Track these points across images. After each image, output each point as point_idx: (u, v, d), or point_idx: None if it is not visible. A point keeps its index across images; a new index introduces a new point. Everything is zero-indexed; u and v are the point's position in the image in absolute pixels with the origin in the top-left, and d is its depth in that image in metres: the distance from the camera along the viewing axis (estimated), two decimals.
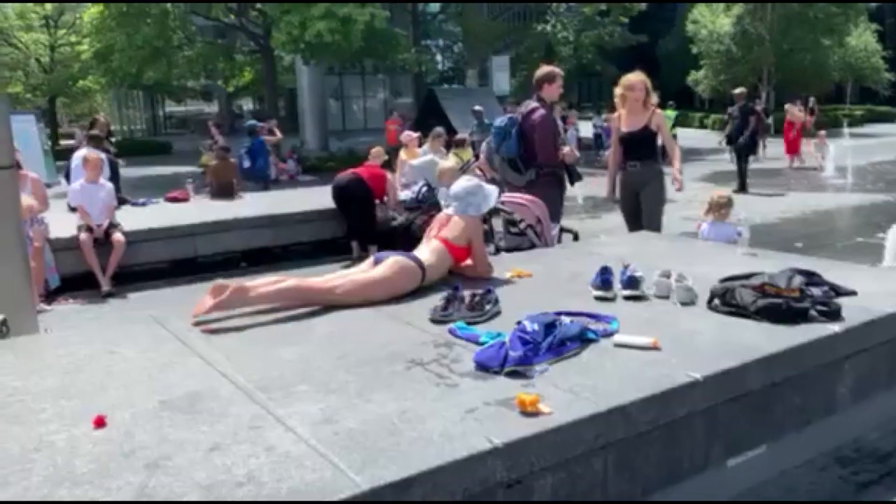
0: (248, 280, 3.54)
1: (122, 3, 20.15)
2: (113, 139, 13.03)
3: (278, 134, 16.69)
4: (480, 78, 31.00)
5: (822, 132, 18.08)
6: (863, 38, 34.69)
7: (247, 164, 12.40)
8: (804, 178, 16.07)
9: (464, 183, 4.11)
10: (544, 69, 6.29)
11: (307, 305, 3.43)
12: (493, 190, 4.11)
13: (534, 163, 6.11)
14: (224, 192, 10.22)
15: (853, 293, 3.34)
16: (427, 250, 3.83)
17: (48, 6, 31.49)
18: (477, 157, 10.57)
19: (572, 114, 21.98)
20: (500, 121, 6.50)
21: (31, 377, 2.66)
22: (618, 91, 6.06)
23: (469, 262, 3.96)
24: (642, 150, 6.03)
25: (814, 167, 17.08)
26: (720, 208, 5.89)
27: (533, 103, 6.16)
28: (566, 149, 6.20)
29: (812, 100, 23.46)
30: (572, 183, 6.39)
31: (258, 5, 21.32)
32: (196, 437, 2.11)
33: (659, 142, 6.14)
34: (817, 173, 16.55)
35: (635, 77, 6.02)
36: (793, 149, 17.48)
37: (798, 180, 15.65)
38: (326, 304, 3.43)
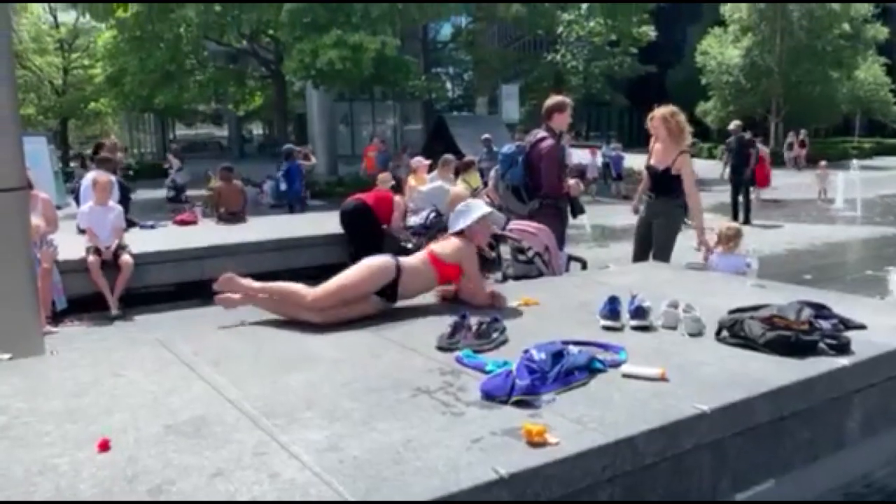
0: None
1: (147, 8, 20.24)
2: (128, 161, 13.36)
3: (313, 159, 17.33)
4: (490, 105, 31.23)
5: (823, 163, 18.07)
6: (871, 70, 34.82)
7: (283, 186, 12.86)
8: (814, 209, 16.05)
9: (461, 206, 4.17)
10: (554, 99, 6.27)
11: (297, 320, 3.56)
12: (480, 206, 4.14)
13: (538, 193, 6.08)
14: (231, 214, 10.32)
15: (862, 327, 3.32)
16: (412, 256, 3.94)
17: (62, 30, 31.98)
18: (486, 184, 10.60)
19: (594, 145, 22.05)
20: (507, 148, 6.51)
21: (37, 399, 2.65)
22: (649, 122, 6.05)
23: (463, 286, 3.99)
24: (661, 186, 6.03)
25: (820, 198, 17.07)
26: (729, 240, 5.91)
27: (541, 133, 6.15)
28: (572, 181, 6.20)
29: (803, 132, 23.49)
30: (574, 215, 6.37)
31: (270, 32, 21.57)
32: (200, 463, 2.09)
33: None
34: (820, 203, 16.53)
35: (658, 112, 5.94)
36: (761, 181, 17.00)
37: (808, 212, 15.62)
38: (307, 314, 3.58)
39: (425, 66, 28.50)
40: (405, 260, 3.85)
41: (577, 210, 6.33)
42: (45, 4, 31.75)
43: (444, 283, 3.98)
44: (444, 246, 3.93)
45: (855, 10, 31.96)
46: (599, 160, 20.28)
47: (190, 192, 16.01)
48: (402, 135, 32.85)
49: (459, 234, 4.00)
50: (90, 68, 29.94)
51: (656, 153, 6.04)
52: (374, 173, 14.22)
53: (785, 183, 18.65)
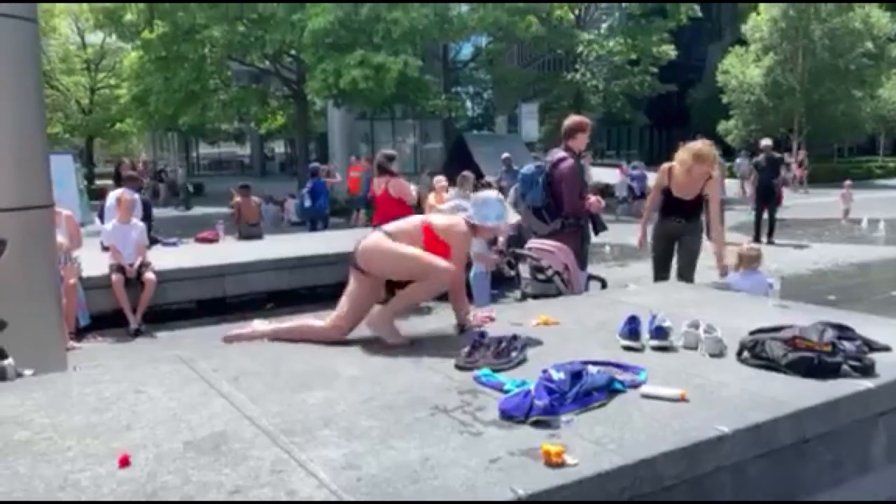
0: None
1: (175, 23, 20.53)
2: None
3: (338, 177, 17.46)
4: (509, 124, 31.32)
5: (847, 182, 17.84)
6: (895, 89, 34.52)
7: (308, 203, 13.08)
8: (837, 228, 15.88)
9: (484, 194, 4.16)
10: (574, 119, 6.27)
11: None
12: (499, 210, 4.02)
13: (559, 213, 6.07)
14: (251, 225, 10.71)
15: (887, 349, 3.27)
16: (404, 221, 3.93)
17: (90, 51, 32.55)
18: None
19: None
20: (526, 169, 6.50)
21: (59, 415, 2.68)
22: (684, 157, 6.14)
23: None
24: (691, 212, 6.24)
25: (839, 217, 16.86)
26: (751, 261, 5.90)
27: (560, 153, 6.14)
28: (592, 198, 6.18)
29: (802, 153, 23.14)
30: (597, 232, 6.36)
31: (293, 52, 21.82)
32: (219, 479, 2.10)
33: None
34: (844, 223, 16.36)
35: (686, 152, 6.13)
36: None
37: (831, 231, 15.46)
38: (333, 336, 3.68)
39: (445, 85, 28.67)
40: (393, 228, 3.79)
41: (599, 227, 6.32)
42: (74, 26, 32.37)
43: (431, 250, 3.78)
44: (443, 222, 3.84)
45: (878, 28, 31.75)
46: (628, 179, 20.17)
47: (211, 210, 16.22)
48: (422, 153, 33.00)
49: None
50: (116, 88, 30.41)
51: (680, 183, 6.18)
52: (356, 194, 14.20)
53: (805, 203, 18.47)
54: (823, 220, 17.02)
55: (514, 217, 4.23)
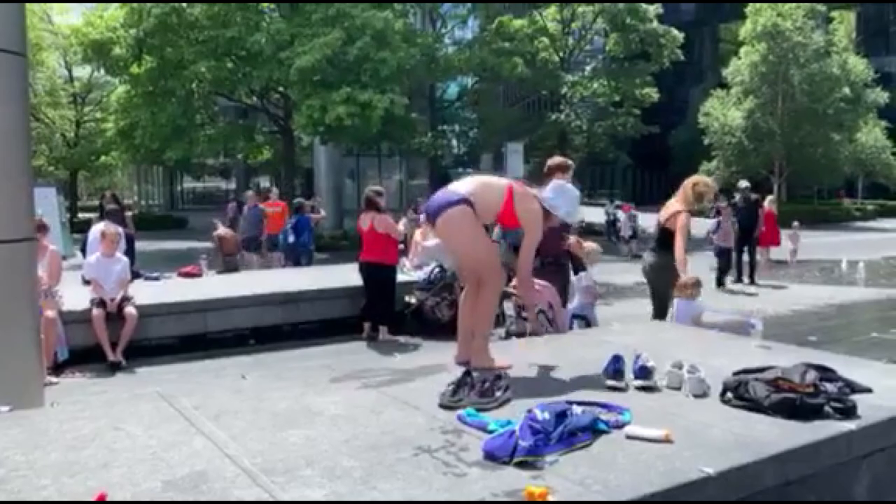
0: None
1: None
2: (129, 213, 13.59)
3: (322, 212, 17.02)
4: (495, 162, 31.49)
5: (796, 223, 17.81)
6: (872, 134, 35.23)
7: (291, 238, 12.96)
8: (818, 269, 16.02)
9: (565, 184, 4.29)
10: (557, 159, 6.33)
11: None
12: (575, 200, 4.19)
13: (538, 252, 6.11)
14: (229, 255, 10.76)
15: (868, 390, 3.29)
16: (496, 180, 4.06)
17: (77, 84, 32.61)
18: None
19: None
20: None
21: (35, 452, 2.63)
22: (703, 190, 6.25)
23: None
24: (660, 241, 6.35)
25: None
26: (688, 288, 6.14)
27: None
28: (572, 239, 6.23)
29: (770, 198, 23.24)
30: (576, 272, 6.41)
31: (280, 89, 21.98)
32: None
33: None
34: (790, 264, 16.31)
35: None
36: (772, 240, 16.75)
37: (811, 272, 15.60)
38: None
39: (432, 123, 28.90)
40: (479, 187, 3.87)
41: (579, 267, 6.38)
42: (62, 61, 32.46)
43: (504, 220, 4.01)
44: (526, 197, 3.93)
45: (855, 74, 32.53)
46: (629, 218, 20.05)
47: (195, 244, 16.14)
48: (408, 190, 33.10)
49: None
50: (102, 121, 30.44)
51: (664, 209, 6.28)
52: (273, 235, 13.97)
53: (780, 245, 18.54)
54: (803, 262, 17.10)
55: (578, 218, 4.33)
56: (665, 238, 6.16)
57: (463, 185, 3.88)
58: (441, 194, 3.87)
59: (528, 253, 4.02)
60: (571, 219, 4.07)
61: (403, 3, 22.70)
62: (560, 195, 4.06)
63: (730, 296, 11.88)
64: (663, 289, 6.18)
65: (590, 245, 6.50)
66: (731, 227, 12.93)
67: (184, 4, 20.43)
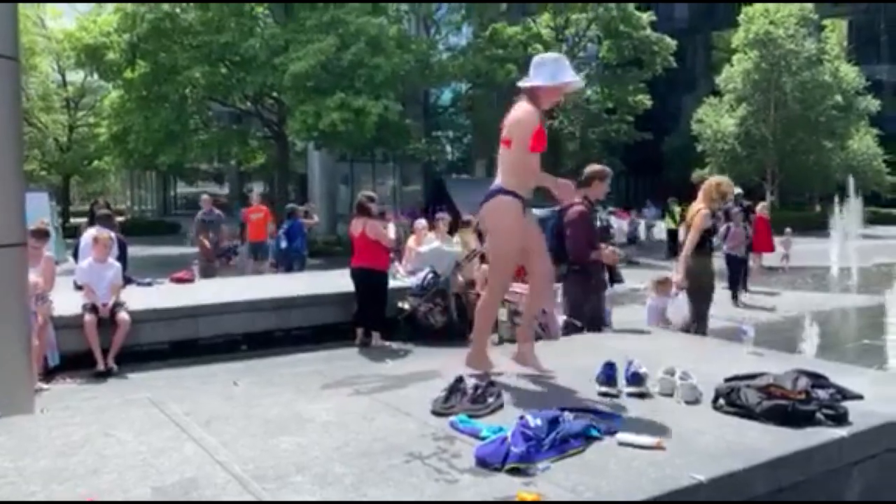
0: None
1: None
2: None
3: (315, 218, 16.76)
4: (489, 168, 31.50)
5: (788, 230, 17.85)
6: (864, 141, 35.39)
7: (284, 244, 12.88)
8: (810, 276, 16.05)
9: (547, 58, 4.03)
10: (595, 167, 5.97)
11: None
12: (565, 67, 3.94)
13: (566, 259, 5.66)
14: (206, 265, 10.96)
15: (860, 397, 3.29)
16: None
17: (70, 89, 32.54)
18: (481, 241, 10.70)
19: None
20: (541, 212, 5.88)
21: (24, 458, 2.62)
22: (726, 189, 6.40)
23: None
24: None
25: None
26: (660, 285, 6.64)
27: (576, 200, 5.62)
28: (607, 249, 5.84)
29: (762, 204, 23.19)
30: (612, 283, 6.02)
31: (274, 94, 21.97)
32: None
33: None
34: (783, 271, 16.38)
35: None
36: (766, 247, 16.77)
37: (804, 279, 15.64)
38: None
39: (426, 129, 28.92)
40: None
41: (615, 279, 6.05)
42: (55, 65, 32.40)
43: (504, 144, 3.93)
44: (517, 109, 3.85)
45: (847, 82, 32.71)
46: (625, 224, 20.13)
47: (187, 250, 16.06)
48: (402, 196, 33.12)
49: (529, 92, 3.86)
50: (95, 126, 30.34)
51: (689, 212, 6.47)
52: (260, 242, 13.80)
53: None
54: (796, 269, 17.14)
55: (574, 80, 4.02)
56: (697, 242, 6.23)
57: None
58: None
59: (534, 166, 3.86)
60: (555, 81, 3.80)
61: (402, 1, 22.72)
62: (535, 67, 3.85)
63: (746, 310, 11.19)
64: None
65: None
66: (743, 232, 12.25)
67: (178, 10, 20.43)
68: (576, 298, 5.67)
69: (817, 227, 19.64)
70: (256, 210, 14.13)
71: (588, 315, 5.64)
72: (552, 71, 3.83)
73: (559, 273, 5.73)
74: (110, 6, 22.87)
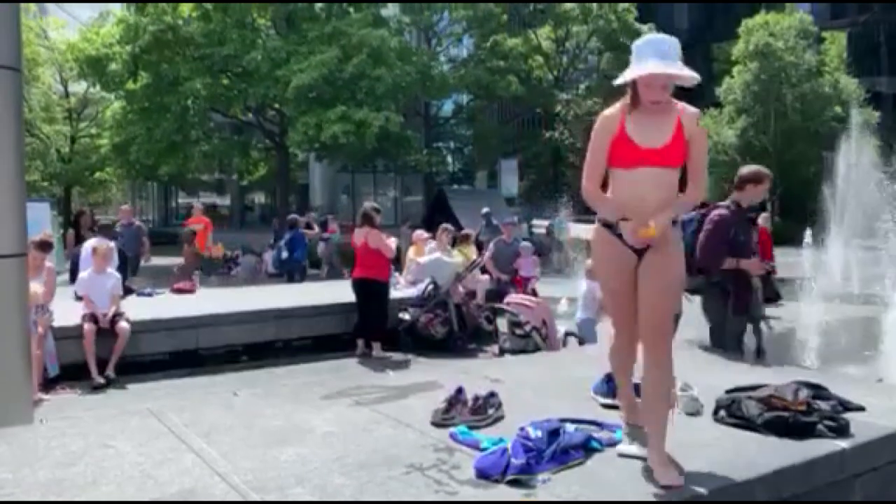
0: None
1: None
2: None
3: (316, 228, 16.94)
4: (489, 179, 31.60)
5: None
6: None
7: (285, 254, 12.89)
8: (811, 287, 16.01)
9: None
10: (751, 168, 5.19)
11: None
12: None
13: (704, 270, 4.98)
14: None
15: (861, 409, 3.28)
16: None
17: (72, 100, 32.64)
18: (480, 252, 10.73)
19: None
20: (693, 213, 5.13)
21: (23, 469, 2.61)
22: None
23: None
24: None
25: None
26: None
27: (722, 203, 5.17)
28: (752, 260, 5.00)
29: (764, 214, 23.10)
30: (766, 301, 5.28)
31: (276, 105, 22.04)
32: None
33: None
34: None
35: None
36: (766, 257, 16.74)
37: (804, 289, 15.60)
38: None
39: (427, 140, 29.00)
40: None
41: (771, 295, 5.39)
42: (57, 76, 32.51)
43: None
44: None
45: (847, 94, 32.80)
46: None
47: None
48: (403, 206, 33.18)
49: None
50: (97, 137, 30.40)
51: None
52: (199, 255, 13.79)
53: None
54: (796, 279, 17.07)
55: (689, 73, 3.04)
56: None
57: None
58: None
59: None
60: (626, 75, 2.92)
61: (400, 1, 22.84)
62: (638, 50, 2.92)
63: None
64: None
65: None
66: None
67: (180, 21, 20.54)
68: (714, 314, 5.01)
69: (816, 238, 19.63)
70: (196, 221, 14.37)
71: (733, 338, 4.95)
72: (633, 60, 2.94)
73: (694, 285, 4.98)
74: (112, 18, 23.00)
